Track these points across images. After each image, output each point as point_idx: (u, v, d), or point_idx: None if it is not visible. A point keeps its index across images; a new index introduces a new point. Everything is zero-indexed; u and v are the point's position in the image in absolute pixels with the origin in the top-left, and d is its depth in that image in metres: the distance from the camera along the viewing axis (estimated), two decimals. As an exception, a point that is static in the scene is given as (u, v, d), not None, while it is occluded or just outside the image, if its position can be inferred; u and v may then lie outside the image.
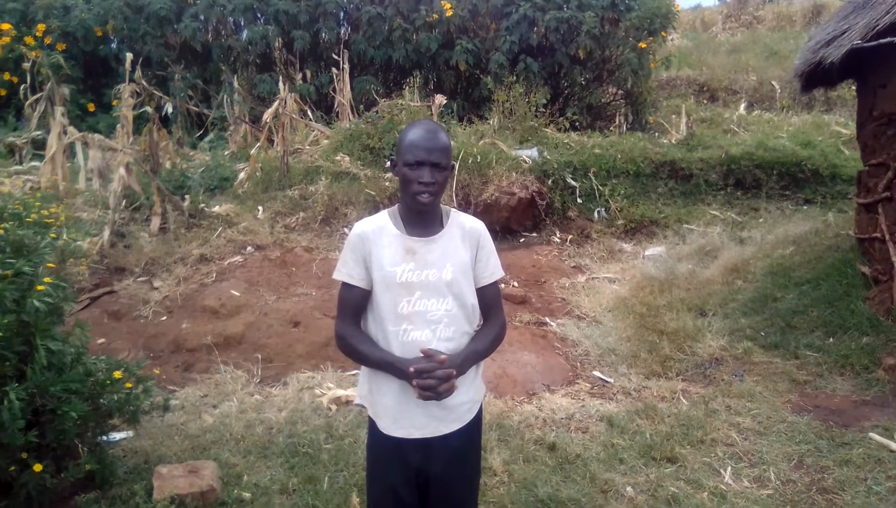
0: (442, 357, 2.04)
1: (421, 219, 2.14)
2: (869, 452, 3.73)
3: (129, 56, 7.52)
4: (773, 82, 14.05)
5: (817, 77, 5.57)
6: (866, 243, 5.60)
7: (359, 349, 2.14)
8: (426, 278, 2.10)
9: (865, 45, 4.75)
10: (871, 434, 3.91)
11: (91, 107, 11.87)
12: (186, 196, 7.26)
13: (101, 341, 5.06)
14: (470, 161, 8.05)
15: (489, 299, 2.24)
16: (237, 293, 5.76)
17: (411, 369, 2.03)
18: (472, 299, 2.18)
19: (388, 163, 2.30)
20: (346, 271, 2.16)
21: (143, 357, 4.74)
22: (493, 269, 2.22)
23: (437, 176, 2.06)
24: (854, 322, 5.12)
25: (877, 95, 5.42)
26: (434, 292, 2.11)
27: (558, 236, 8.05)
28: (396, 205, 2.22)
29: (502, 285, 6.35)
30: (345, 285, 2.17)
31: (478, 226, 2.22)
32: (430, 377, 2.02)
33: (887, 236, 5.21)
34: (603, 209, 8.38)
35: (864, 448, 3.77)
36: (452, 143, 8.54)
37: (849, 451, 3.75)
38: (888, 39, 4.54)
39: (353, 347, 2.15)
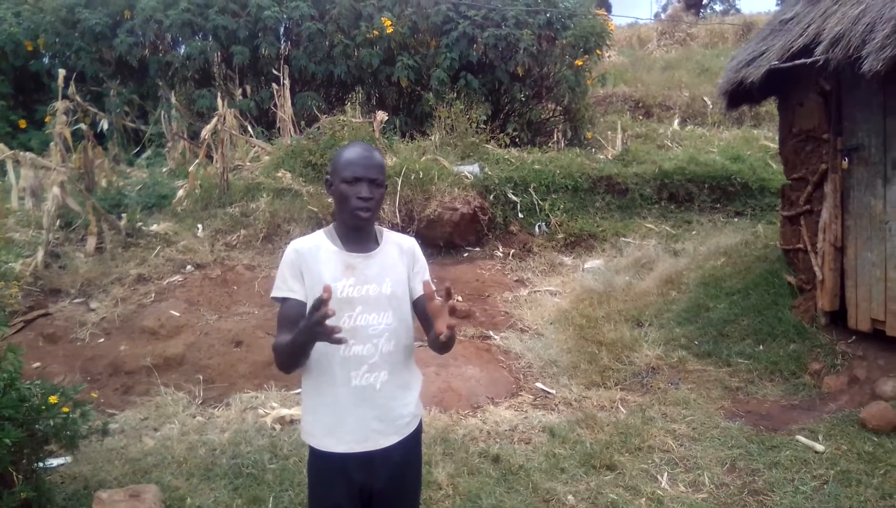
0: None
1: (358, 236, 2.18)
2: (796, 454, 3.92)
3: (62, 72, 7.37)
4: (705, 98, 14.58)
5: (741, 95, 5.84)
6: (791, 253, 5.88)
7: (279, 346, 2.07)
8: (367, 293, 2.14)
9: (782, 65, 5.03)
10: (798, 437, 4.11)
11: (22, 123, 11.49)
12: (123, 215, 7.12)
13: (36, 365, 4.92)
14: (413, 177, 8.12)
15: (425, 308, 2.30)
16: (177, 314, 5.67)
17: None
18: (408, 311, 2.24)
19: (325, 183, 2.32)
20: (286, 287, 2.15)
21: (80, 381, 4.63)
22: (428, 280, 2.29)
23: (374, 192, 2.12)
24: (782, 330, 5.37)
25: (795, 113, 5.73)
26: (375, 306, 2.14)
27: (501, 250, 8.18)
28: (332, 224, 2.25)
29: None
30: (284, 301, 2.16)
31: (412, 243, 2.31)
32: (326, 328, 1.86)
33: (809, 247, 5.49)
34: (543, 224, 8.56)
35: (791, 450, 3.97)
36: (395, 159, 8.63)
37: (777, 454, 3.94)
38: (801, 61, 4.82)
39: (277, 348, 2.09)
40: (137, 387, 4.81)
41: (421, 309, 2.26)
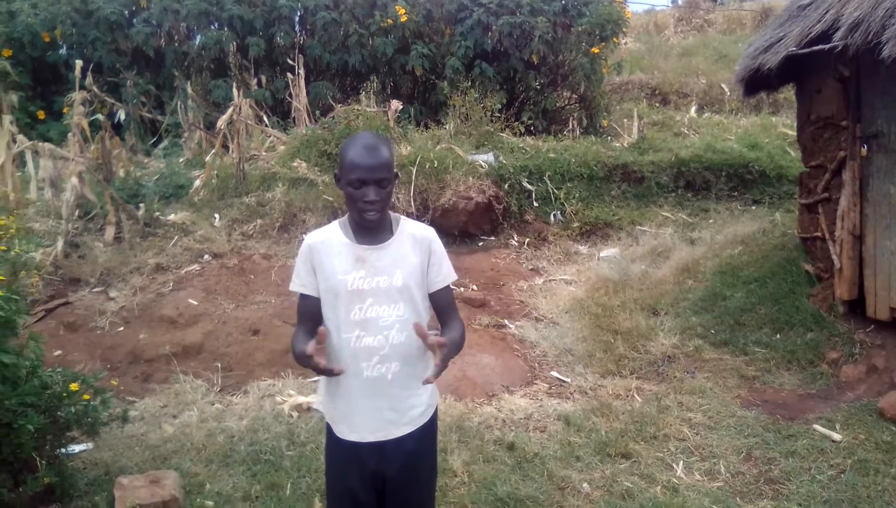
0: (441, 340, 2.05)
1: (374, 227, 2.20)
2: (813, 443, 3.92)
3: (79, 63, 7.43)
4: (723, 85, 14.42)
5: (758, 82, 5.79)
6: (809, 242, 5.84)
7: (294, 350, 2.18)
8: (377, 285, 2.16)
9: (799, 52, 4.97)
10: (815, 426, 4.10)
11: (41, 114, 11.58)
12: (141, 205, 7.17)
13: (57, 353, 5.00)
14: (427, 166, 8.12)
15: (445, 302, 2.30)
16: (195, 302, 5.73)
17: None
18: (423, 305, 2.25)
19: (335, 176, 2.34)
20: (299, 281, 2.23)
21: (100, 369, 4.70)
22: (446, 272, 2.29)
23: (381, 193, 2.11)
24: (799, 319, 5.34)
25: (813, 100, 5.67)
26: (385, 298, 2.16)
27: (516, 239, 8.18)
28: (347, 215, 2.28)
29: (461, 289, 6.44)
30: (301, 295, 2.23)
31: (428, 233, 2.29)
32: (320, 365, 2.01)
33: (827, 236, 5.44)
34: (559, 212, 8.54)
35: (808, 439, 3.96)
36: (410, 148, 8.64)
37: (794, 443, 3.94)
38: (819, 47, 4.76)
39: (293, 350, 2.20)
40: (157, 375, 4.88)
41: (436, 303, 2.28)
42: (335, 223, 2.26)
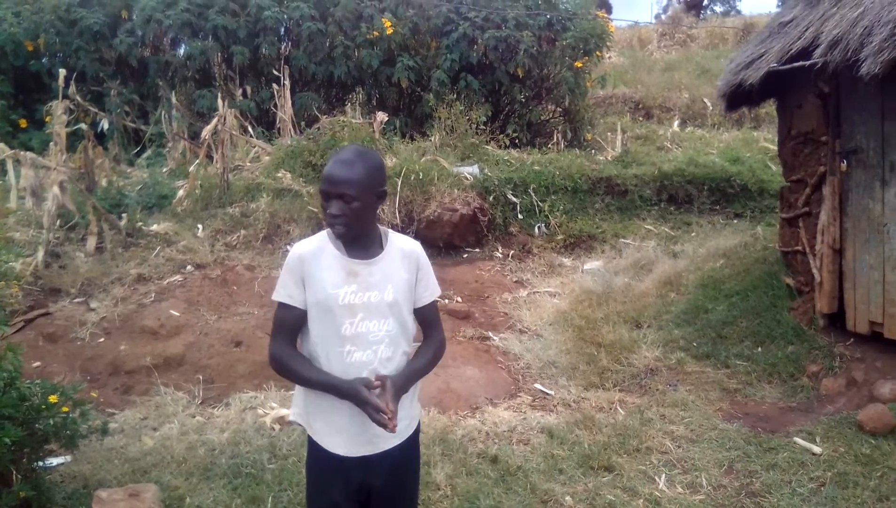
0: (377, 383, 2.10)
1: (359, 241, 2.19)
2: (793, 456, 3.94)
3: (63, 71, 7.37)
4: (705, 100, 14.60)
5: (740, 97, 5.86)
6: (790, 255, 5.90)
7: (297, 371, 2.16)
8: (368, 300, 2.15)
9: (780, 67, 5.05)
10: (796, 439, 4.13)
11: (23, 123, 11.50)
12: (123, 215, 7.13)
13: (36, 364, 4.93)
14: (412, 178, 8.13)
15: (429, 317, 2.32)
16: (177, 313, 5.69)
17: (387, 407, 2.06)
18: (411, 320, 2.26)
19: None
20: (284, 292, 2.19)
21: (80, 380, 4.63)
22: (431, 289, 2.31)
23: (344, 208, 2.08)
24: (780, 332, 5.39)
25: (793, 115, 5.75)
26: (376, 313, 2.16)
27: (500, 251, 8.20)
28: None
29: (445, 301, 6.44)
30: (282, 305, 2.20)
31: (415, 248, 2.29)
32: (378, 412, 2.05)
33: (808, 249, 5.51)
34: (543, 225, 8.58)
35: (789, 452, 3.99)
36: (395, 159, 8.65)
37: (775, 456, 3.96)
38: (800, 63, 4.84)
39: (290, 368, 2.17)
40: (137, 387, 4.83)
41: (422, 318, 2.30)
42: (323, 234, 2.22)
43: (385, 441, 2.20)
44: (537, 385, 5.08)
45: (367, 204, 2.11)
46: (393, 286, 2.18)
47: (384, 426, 2.02)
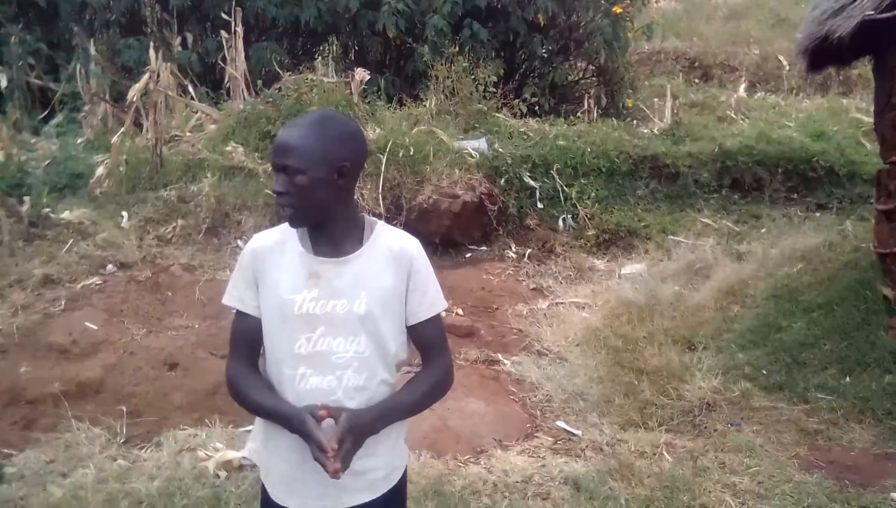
0: (322, 412, 2.06)
1: (330, 235, 2.18)
2: (890, 516, 3.95)
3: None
4: (780, 57, 14.61)
5: (826, 54, 5.86)
6: (889, 258, 5.89)
7: (248, 396, 2.18)
8: (332, 311, 2.13)
9: (879, 16, 5.03)
10: (893, 495, 4.13)
11: None
12: (26, 198, 7.14)
13: None
14: (401, 154, 8.14)
15: (428, 338, 2.27)
16: (94, 327, 5.70)
17: (328, 444, 2.01)
18: (394, 340, 2.21)
19: None
20: (236, 294, 2.23)
21: (-34, 412, 4.65)
22: (431, 300, 2.26)
23: (287, 183, 2.08)
24: (874, 357, 5.38)
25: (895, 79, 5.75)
26: (342, 328, 2.14)
27: (514, 249, 8.20)
28: None
29: (443, 313, 6.43)
30: (237, 313, 2.23)
31: (409, 246, 2.24)
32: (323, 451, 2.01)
33: (912, 251, 5.51)
34: (569, 216, 8.59)
35: (884, 511, 4.00)
36: (379, 130, 8.65)
37: (866, 516, 3.97)
38: (906, 11, 4.84)
39: (242, 393, 2.19)
40: (42, 420, 4.83)
41: (418, 340, 2.27)
42: (288, 226, 2.22)
43: (350, 496, 2.18)
44: (560, 423, 5.08)
45: (318, 180, 2.08)
46: (368, 294, 2.15)
47: (325, 468, 2.01)
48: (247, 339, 2.22)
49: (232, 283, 2.24)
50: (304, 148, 2.06)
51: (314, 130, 2.09)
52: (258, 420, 2.29)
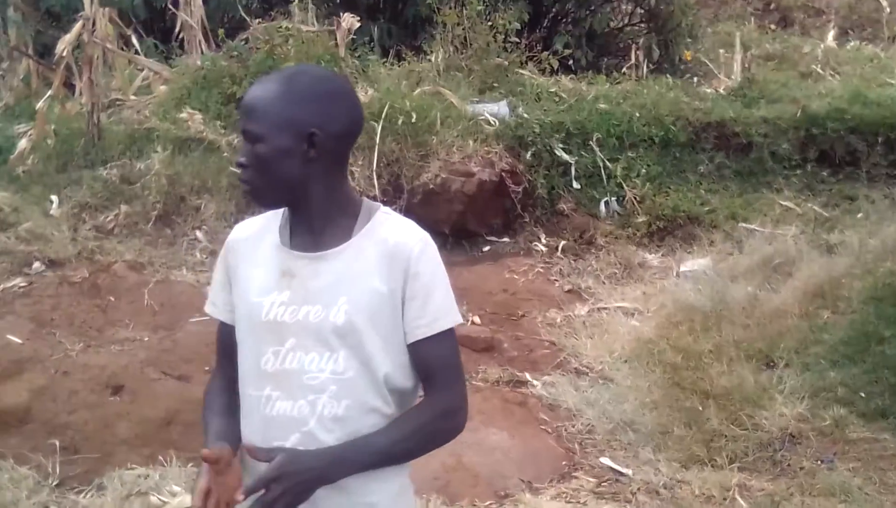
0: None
1: (309, 223, 2.15)
2: None
3: None
4: (879, -3, 14.57)
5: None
6: None
7: (203, 418, 2.22)
8: (304, 319, 2.09)
9: None
10: None
11: None
12: (-70, 179, 7.17)
13: None
14: (400, 122, 8.13)
15: (429, 363, 2.16)
16: (17, 340, 5.70)
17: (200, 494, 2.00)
18: (387, 360, 2.12)
19: None
20: (211, 296, 2.29)
21: None
22: (434, 313, 2.14)
23: (246, 151, 2.08)
24: None
25: None
26: (315, 341, 2.09)
27: (544, 241, 8.19)
28: None
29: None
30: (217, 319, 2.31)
31: (408, 242, 2.15)
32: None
33: None
34: (613, 199, 8.57)
35: None
36: (372, 92, 8.64)
37: None
38: None
39: (203, 412, 2.24)
40: (-47, 458, 4.84)
41: (419, 363, 2.18)
42: (276, 212, 2.23)
43: None
44: (604, 460, 5.08)
45: (280, 151, 2.04)
46: (349, 299, 2.09)
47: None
48: (222, 349, 2.27)
49: (212, 284, 2.30)
50: (266, 109, 2.04)
51: (280, 87, 2.07)
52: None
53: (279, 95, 2.05)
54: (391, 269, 2.11)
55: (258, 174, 2.06)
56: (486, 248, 8.14)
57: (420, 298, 2.12)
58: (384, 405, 2.13)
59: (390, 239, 2.14)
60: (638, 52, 11.72)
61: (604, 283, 7.62)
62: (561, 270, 7.78)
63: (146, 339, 5.90)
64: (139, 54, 10.37)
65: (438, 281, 2.16)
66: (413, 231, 2.19)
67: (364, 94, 8.48)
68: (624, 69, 11.23)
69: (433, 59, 9.80)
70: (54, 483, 4.66)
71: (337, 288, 2.10)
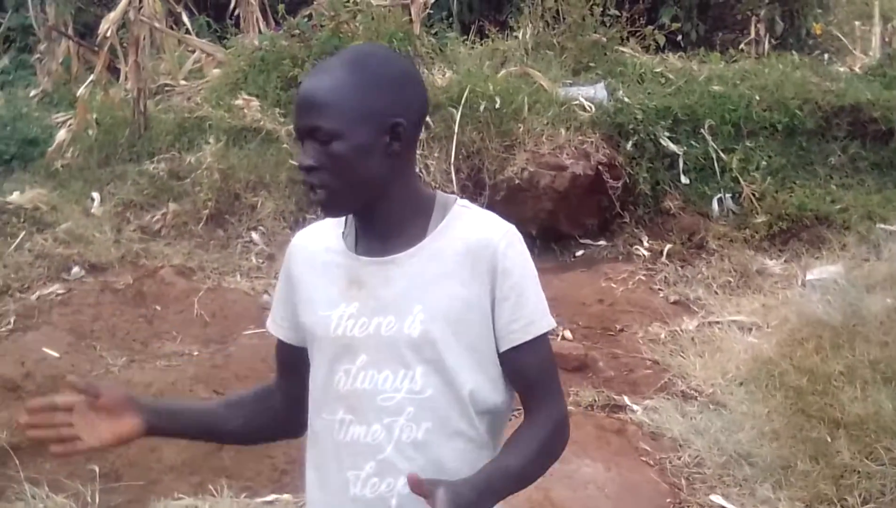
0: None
1: (383, 225, 2.13)
2: None
3: None
4: None
5: None
6: None
7: None
8: (375, 332, 2.08)
9: None
10: None
11: None
12: (-40, 174, 7.34)
13: None
14: (482, 108, 8.15)
15: (529, 372, 2.15)
16: (55, 353, 5.82)
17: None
18: (473, 375, 2.11)
19: None
20: (271, 311, 2.29)
21: None
22: (529, 315, 2.12)
23: (318, 155, 2.02)
24: None
25: None
26: (388, 357, 2.07)
27: (646, 244, 8.15)
28: None
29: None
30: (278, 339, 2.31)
31: (493, 235, 2.13)
32: None
33: None
34: (728, 196, 8.50)
35: None
36: (450, 74, 8.66)
37: None
38: None
39: None
40: (-17, 484, 4.96)
41: (515, 373, 2.16)
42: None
43: None
44: (716, 498, 5.05)
45: (363, 148, 2.02)
46: (424, 308, 2.08)
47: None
48: (280, 368, 2.33)
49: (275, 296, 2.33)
50: (340, 101, 2.00)
51: (352, 75, 2.03)
52: (309, 484, 2.31)
53: (353, 84, 2.01)
54: (474, 269, 2.09)
55: (335, 177, 2.02)
56: (580, 252, 8.13)
57: (512, 299, 2.09)
58: (469, 428, 2.11)
59: (471, 235, 2.11)
60: (758, 25, 11.62)
61: (716, 293, 7.55)
62: (666, 278, 7.73)
63: (196, 353, 5.99)
64: (190, 34, 10.50)
65: (530, 279, 2.13)
66: (496, 223, 2.15)
67: (441, 76, 8.52)
68: (742, 45, 11.16)
69: (520, 35, 9.81)
70: (93, 514, 4.76)
71: (411, 295, 2.08)
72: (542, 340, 2.12)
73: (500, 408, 2.16)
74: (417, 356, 2.06)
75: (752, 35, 11.45)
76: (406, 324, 2.06)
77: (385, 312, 2.08)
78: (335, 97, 1.99)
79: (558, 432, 2.17)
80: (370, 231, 2.13)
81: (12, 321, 6.18)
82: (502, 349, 2.11)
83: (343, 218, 2.18)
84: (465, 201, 2.19)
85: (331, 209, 2.11)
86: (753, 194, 8.44)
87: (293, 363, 2.24)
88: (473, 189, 7.84)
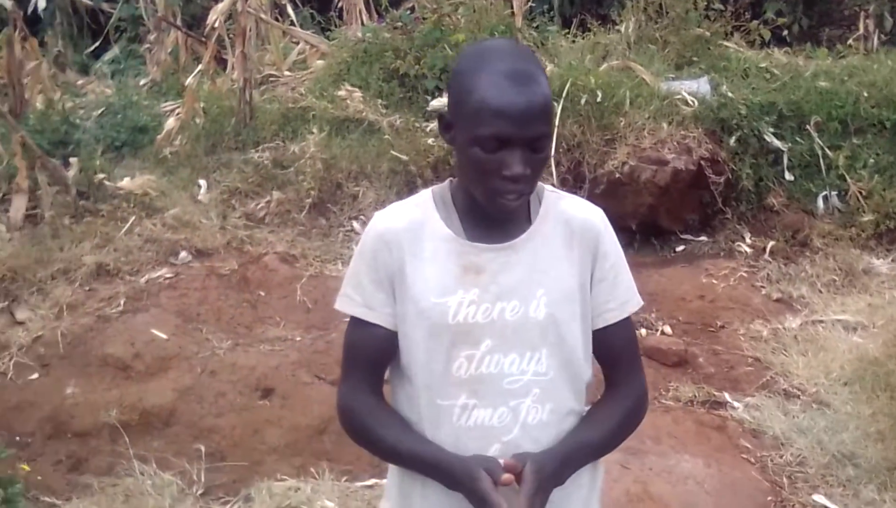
0: (505, 477, 2.02)
1: (493, 215, 2.16)
2: None
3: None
4: None
5: None
6: None
7: (381, 436, 2.19)
8: (501, 318, 2.12)
9: None
10: None
11: None
12: (72, 160, 7.38)
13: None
14: (583, 101, 8.12)
15: (619, 348, 2.26)
16: (163, 335, 5.92)
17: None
18: (585, 353, 2.21)
19: (437, 122, 2.30)
20: (359, 298, 2.22)
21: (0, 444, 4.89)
22: (624, 295, 2.24)
23: (534, 163, 2.03)
24: None
25: None
26: (516, 340, 2.12)
27: (749, 241, 8.05)
28: (448, 182, 2.26)
29: (643, 331, 6.40)
30: (356, 322, 2.24)
31: (595, 218, 2.22)
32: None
33: None
34: (834, 194, 8.37)
35: None
36: (552, 67, 8.63)
37: None
38: None
39: (371, 431, 2.21)
40: (94, 460, 5.03)
41: (604, 349, 2.22)
42: (425, 196, 2.24)
43: None
44: (818, 498, 4.98)
45: (549, 151, 2.18)
46: (546, 291, 2.14)
47: None
48: (370, 358, 2.24)
49: (350, 280, 2.25)
50: (549, 103, 2.03)
51: (545, 78, 2.04)
52: (393, 471, 2.33)
53: (546, 91, 2.03)
54: (580, 251, 2.18)
55: (535, 181, 2.08)
56: (680, 247, 8.06)
57: (609, 279, 2.21)
58: (577, 405, 2.23)
59: (574, 219, 2.20)
60: (867, 20, 11.40)
61: (820, 292, 7.44)
62: (768, 275, 7.63)
63: (298, 339, 6.05)
64: (294, 26, 10.58)
65: (622, 259, 2.25)
66: (591, 207, 2.27)
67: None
68: (849, 41, 10.97)
69: (622, 29, 9.74)
70: (199, 493, 4.82)
71: (532, 279, 2.14)
72: (629, 319, 2.26)
73: (591, 382, 2.27)
74: (543, 338, 2.12)
75: (861, 31, 11.25)
76: (531, 308, 2.12)
77: (509, 297, 2.13)
78: (550, 103, 2.05)
79: (640, 405, 2.29)
80: (477, 217, 2.16)
81: (122, 303, 6.29)
82: (597, 327, 2.21)
83: (429, 200, 2.22)
84: (550, 186, 2.27)
85: (513, 211, 2.13)
86: (860, 192, 8.29)
87: (390, 350, 2.22)
88: (573, 182, 7.82)
